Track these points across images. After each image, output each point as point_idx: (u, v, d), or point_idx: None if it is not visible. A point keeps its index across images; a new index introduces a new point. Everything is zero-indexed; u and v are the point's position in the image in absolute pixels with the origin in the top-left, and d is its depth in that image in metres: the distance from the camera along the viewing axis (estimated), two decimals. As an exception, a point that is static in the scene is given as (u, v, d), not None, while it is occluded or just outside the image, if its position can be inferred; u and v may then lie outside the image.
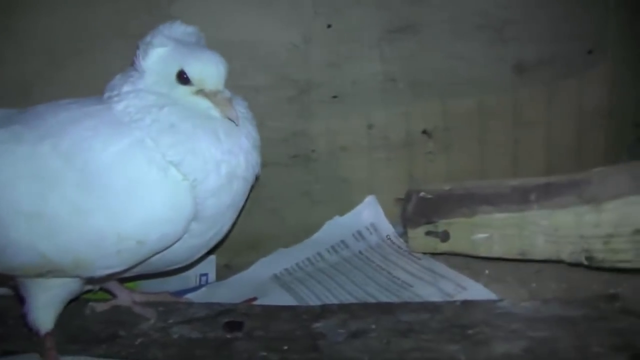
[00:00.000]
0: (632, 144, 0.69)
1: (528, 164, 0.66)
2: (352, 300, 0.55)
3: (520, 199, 0.54)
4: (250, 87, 0.59)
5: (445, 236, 0.57)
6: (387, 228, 0.64)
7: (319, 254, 0.63)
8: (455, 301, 0.52)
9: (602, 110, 0.69)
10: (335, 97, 0.63)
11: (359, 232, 0.64)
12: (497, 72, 0.65)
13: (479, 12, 0.63)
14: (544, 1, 0.65)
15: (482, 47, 0.64)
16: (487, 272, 0.56)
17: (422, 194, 0.59)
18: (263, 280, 0.61)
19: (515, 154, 0.67)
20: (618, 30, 0.68)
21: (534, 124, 0.67)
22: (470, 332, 0.48)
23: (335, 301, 0.55)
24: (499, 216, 0.54)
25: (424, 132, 0.65)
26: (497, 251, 0.55)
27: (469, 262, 0.57)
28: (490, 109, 0.65)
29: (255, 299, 0.58)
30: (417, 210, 0.58)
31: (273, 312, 0.53)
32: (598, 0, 0.67)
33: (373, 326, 0.50)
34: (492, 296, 0.53)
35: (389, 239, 0.63)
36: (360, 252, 0.62)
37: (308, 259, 0.63)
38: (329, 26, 0.61)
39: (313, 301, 0.56)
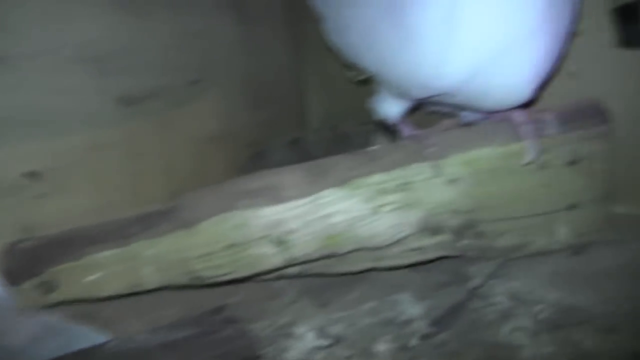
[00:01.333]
0: (244, 163, 0.76)
1: (149, 194, 0.67)
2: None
3: (125, 233, 0.54)
4: None
5: (53, 286, 0.53)
6: (-3, 288, 0.57)
7: None
8: (64, 355, 0.49)
9: (216, 135, 0.75)
10: None
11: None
12: (104, 105, 0.64)
13: (79, 44, 0.61)
14: (149, 33, 0.67)
15: (85, 81, 0.62)
16: (105, 313, 0.55)
17: (22, 244, 0.54)
18: None
19: (135, 186, 0.67)
20: (224, 62, 0.75)
21: (150, 154, 0.68)
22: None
23: None
24: (106, 254, 0.53)
25: (32, 174, 0.60)
26: (110, 289, 0.54)
27: (86, 307, 0.55)
28: (102, 143, 0.64)
29: None
30: (20, 263, 0.54)
31: None
32: (204, 33, 0.73)
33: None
34: (105, 339, 0.52)
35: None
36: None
37: None
38: None
39: None
